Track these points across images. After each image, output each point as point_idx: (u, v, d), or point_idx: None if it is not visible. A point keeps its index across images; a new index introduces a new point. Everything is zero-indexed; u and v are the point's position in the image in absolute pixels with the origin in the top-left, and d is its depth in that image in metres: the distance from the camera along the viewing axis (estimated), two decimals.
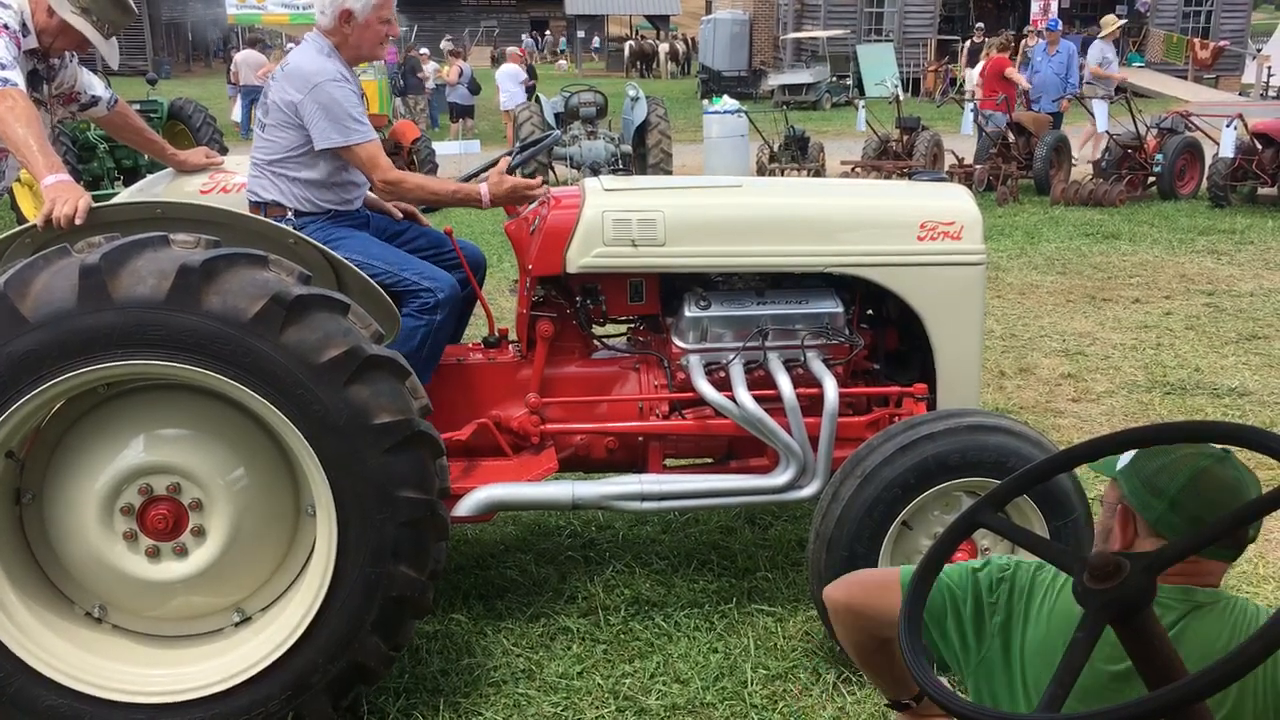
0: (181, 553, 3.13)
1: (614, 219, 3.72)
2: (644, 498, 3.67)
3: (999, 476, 3.22)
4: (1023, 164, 14.27)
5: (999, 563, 1.93)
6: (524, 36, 36.87)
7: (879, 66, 30.21)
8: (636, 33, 51.73)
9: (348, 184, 3.85)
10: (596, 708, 3.52)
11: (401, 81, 23.17)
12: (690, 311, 3.82)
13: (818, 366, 3.79)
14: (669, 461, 4.08)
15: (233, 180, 4.18)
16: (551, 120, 15.02)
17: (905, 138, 15.45)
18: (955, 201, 3.94)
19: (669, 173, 14.60)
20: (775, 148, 15.57)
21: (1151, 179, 13.88)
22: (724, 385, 3.78)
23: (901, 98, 17.77)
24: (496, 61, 33.72)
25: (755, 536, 4.70)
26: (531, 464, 3.80)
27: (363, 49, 3.88)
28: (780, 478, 3.72)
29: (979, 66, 17.61)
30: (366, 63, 3.97)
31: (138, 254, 2.86)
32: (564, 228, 3.75)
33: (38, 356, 2.81)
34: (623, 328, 4.29)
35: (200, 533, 3.12)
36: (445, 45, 25.47)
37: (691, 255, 3.78)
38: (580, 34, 48.66)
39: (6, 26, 3.52)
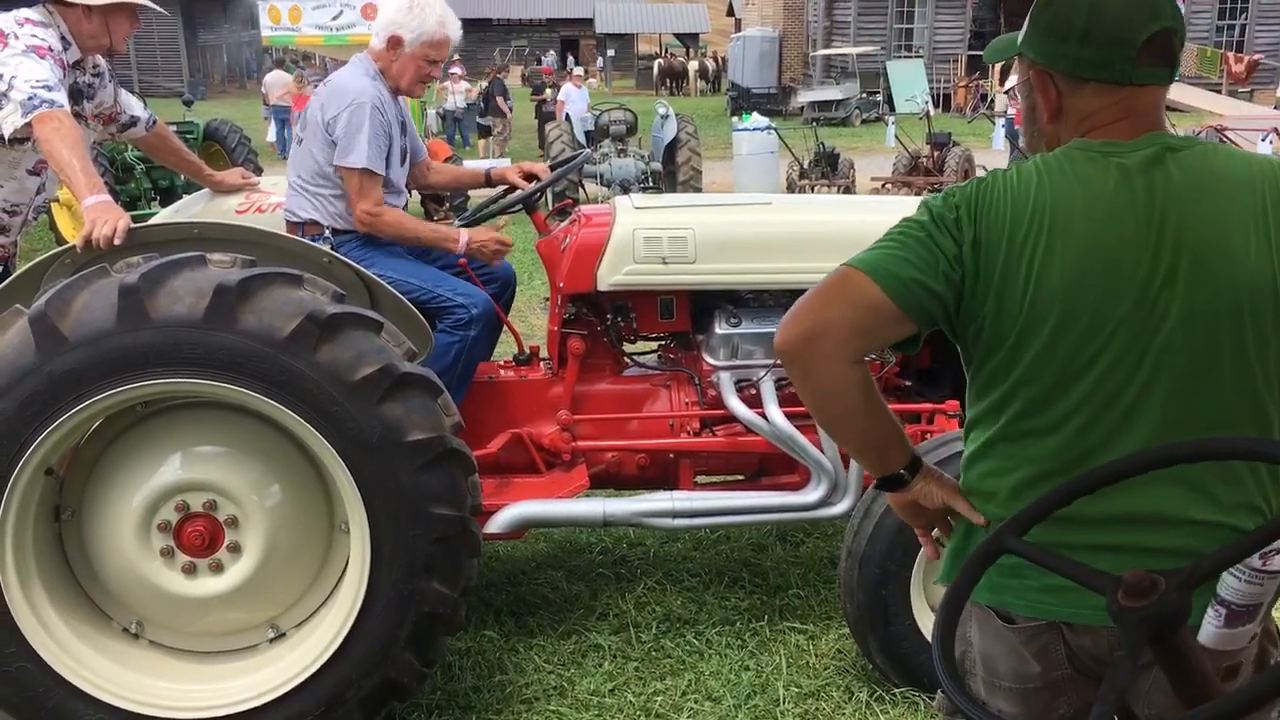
0: (217, 569, 3.16)
1: (645, 237, 3.74)
2: (675, 514, 3.68)
3: None
4: None
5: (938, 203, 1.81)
6: (543, 56, 36.95)
7: (909, 82, 30.12)
8: (666, 50, 51.94)
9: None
10: None
11: (483, 104, 23.35)
12: (721, 329, 3.83)
13: None
14: (700, 478, 4.09)
15: (268, 200, 4.23)
16: (582, 138, 15.09)
17: (936, 154, 15.45)
18: None
19: (699, 190, 14.62)
20: (805, 164, 15.57)
21: None
22: (755, 402, 3.79)
23: (932, 113, 17.76)
24: (527, 80, 33.84)
25: (787, 554, 4.69)
26: (563, 481, 3.81)
27: (402, 81, 3.86)
28: (812, 495, 3.72)
29: (1010, 82, 17.55)
30: (406, 96, 3.97)
31: (175, 274, 2.91)
32: (595, 245, 3.78)
33: (77, 375, 2.85)
34: (652, 345, 4.29)
35: (236, 549, 3.15)
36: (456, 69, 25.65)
37: (722, 272, 3.79)
38: (611, 52, 48.89)
39: (50, 49, 3.57)
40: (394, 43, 3.82)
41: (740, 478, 4.17)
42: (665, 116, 15.25)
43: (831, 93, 30.18)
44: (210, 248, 3.15)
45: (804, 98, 30.51)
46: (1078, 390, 1.71)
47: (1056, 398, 1.73)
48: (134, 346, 2.85)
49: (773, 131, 15.45)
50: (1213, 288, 1.67)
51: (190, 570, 3.15)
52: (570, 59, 35.64)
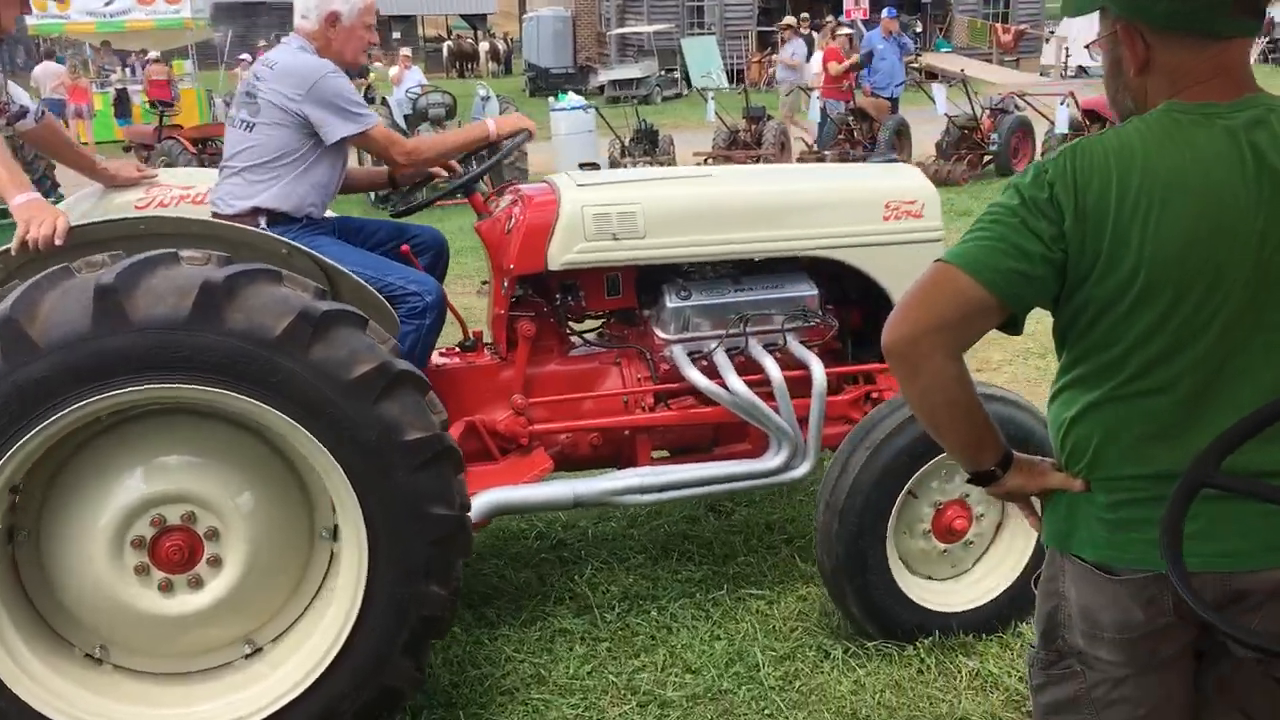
0: (196, 585, 2.97)
1: (594, 214, 3.70)
2: (644, 490, 3.68)
3: None
4: (867, 148, 14.75)
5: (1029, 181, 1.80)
6: None
7: (704, 59, 30.68)
8: (451, 32, 51.12)
9: (329, 187, 3.77)
10: (617, 705, 3.48)
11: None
12: (672, 302, 3.83)
13: (799, 349, 3.86)
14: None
15: (170, 194, 3.98)
16: (401, 123, 14.72)
17: (753, 128, 15.80)
18: (913, 181, 4.06)
19: (524, 172, 14.44)
20: (626, 142, 15.66)
21: (989, 157, 14.56)
22: (709, 373, 3.81)
23: (725, 89, 18.13)
24: None
25: (721, 524, 4.73)
26: (522, 465, 3.75)
27: (345, 55, 3.78)
28: (773, 461, 3.77)
29: (815, 57, 18.13)
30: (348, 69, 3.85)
31: (151, 272, 2.72)
32: (543, 225, 3.71)
33: (52, 384, 2.63)
34: (594, 323, 4.25)
35: (216, 562, 2.98)
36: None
37: (673, 246, 3.78)
38: (396, 35, 47.79)
39: None
40: (331, 19, 3.72)
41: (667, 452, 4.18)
42: (486, 98, 15.03)
43: (631, 71, 30.41)
44: (161, 243, 2.94)
45: (604, 77, 30.64)
46: (1194, 350, 1.74)
47: (1172, 358, 1.76)
48: (114, 351, 2.65)
49: (591, 110, 15.48)
50: None
51: (167, 587, 2.95)
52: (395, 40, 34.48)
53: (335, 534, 3.11)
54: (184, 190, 3.96)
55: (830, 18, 28.46)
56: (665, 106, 28.30)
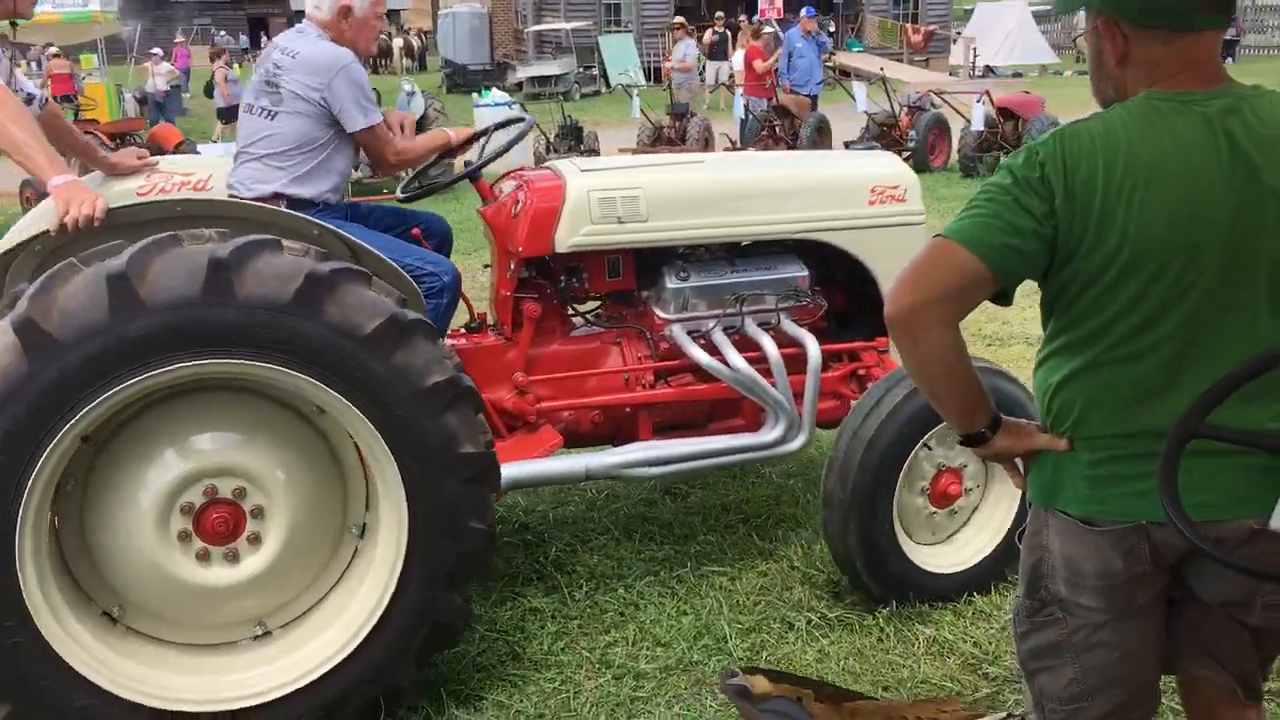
0: (232, 559, 3.05)
1: (599, 198, 3.85)
2: (651, 463, 3.83)
3: None
4: (789, 144, 15.03)
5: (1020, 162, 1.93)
6: (215, 35, 34.82)
7: (621, 57, 30.84)
8: None
9: (346, 175, 3.86)
10: (593, 678, 3.56)
11: None
12: (671, 283, 3.99)
13: (793, 328, 4.05)
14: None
15: (171, 180, 3.99)
16: None
17: (677, 124, 15.98)
18: (895, 167, 4.29)
19: (451, 165, 14.38)
20: (551, 138, 15.74)
21: (907, 153, 14.91)
22: (708, 351, 3.97)
23: (642, 86, 18.34)
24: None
25: (678, 505, 4.85)
26: (530, 442, 3.88)
27: (359, 44, 3.88)
28: (771, 434, 3.95)
29: (738, 55, 18.41)
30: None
31: (258, 254, 2.82)
32: (551, 209, 3.85)
33: (152, 342, 2.71)
34: (594, 305, 4.38)
35: (256, 540, 3.05)
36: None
37: (675, 229, 3.95)
38: None
39: None
40: (344, 11, 3.83)
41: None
42: (411, 94, 15.03)
43: (549, 68, 30.40)
44: (197, 224, 3.04)
45: (522, 74, 30.57)
46: (1174, 318, 1.88)
47: (1154, 326, 1.89)
48: (218, 321, 2.75)
49: (516, 106, 15.53)
50: None
51: (204, 557, 3.02)
52: (221, 38, 33.72)
53: (363, 532, 3.22)
54: (185, 177, 3.98)
55: (744, 17, 28.81)
56: (585, 103, 28.34)
